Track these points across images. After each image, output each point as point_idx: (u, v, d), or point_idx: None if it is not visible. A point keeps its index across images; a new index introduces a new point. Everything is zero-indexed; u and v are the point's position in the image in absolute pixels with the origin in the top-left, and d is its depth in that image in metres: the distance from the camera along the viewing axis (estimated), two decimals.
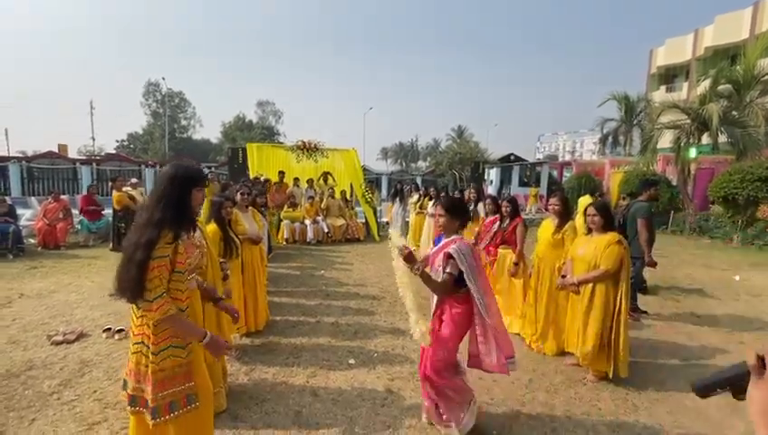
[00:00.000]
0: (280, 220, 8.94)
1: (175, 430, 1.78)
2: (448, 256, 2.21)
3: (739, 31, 21.31)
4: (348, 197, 10.43)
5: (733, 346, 3.94)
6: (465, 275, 2.19)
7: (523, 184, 18.62)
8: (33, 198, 11.39)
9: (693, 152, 13.25)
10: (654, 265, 4.51)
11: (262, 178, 8.36)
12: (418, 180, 19.09)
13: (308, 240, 8.95)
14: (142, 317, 1.74)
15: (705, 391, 0.76)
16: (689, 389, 2.62)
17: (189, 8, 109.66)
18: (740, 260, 8.20)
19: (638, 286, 5.76)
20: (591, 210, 3.20)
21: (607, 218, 3.17)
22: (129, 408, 1.79)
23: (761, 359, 0.64)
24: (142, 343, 1.75)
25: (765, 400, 0.59)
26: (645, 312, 4.77)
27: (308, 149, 10.10)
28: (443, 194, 7.72)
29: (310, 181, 9.95)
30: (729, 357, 3.69)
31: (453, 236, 2.33)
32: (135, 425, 1.83)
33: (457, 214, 2.36)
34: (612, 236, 3.07)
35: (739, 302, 5.39)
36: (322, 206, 9.47)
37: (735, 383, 0.70)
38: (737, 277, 6.65)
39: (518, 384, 3.13)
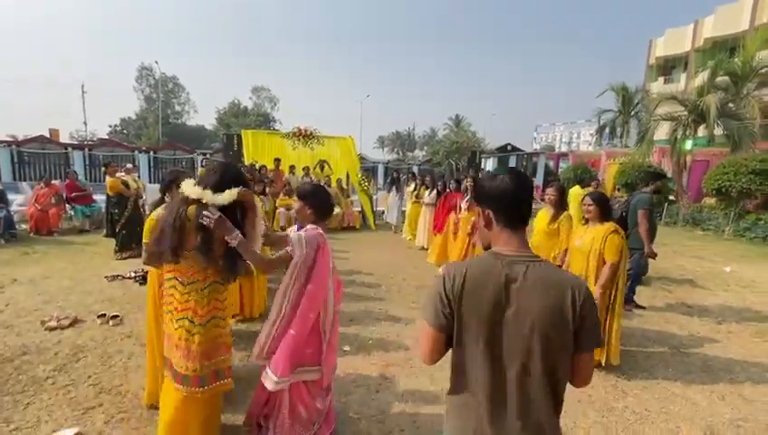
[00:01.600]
0: (275, 208, 8.90)
1: (207, 397, 1.90)
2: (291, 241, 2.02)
3: (739, 22, 21.18)
4: (344, 185, 10.39)
5: (722, 335, 4.02)
6: (293, 261, 2.02)
7: None
8: (24, 183, 11.23)
9: (689, 144, 13.31)
10: (654, 255, 4.49)
11: (257, 166, 8.29)
12: (415, 169, 19.01)
13: None
14: (188, 294, 1.86)
15: None
16: (678, 377, 2.66)
17: None
18: (731, 252, 8.31)
19: (638, 278, 5.85)
20: (588, 200, 3.20)
21: (603, 209, 3.17)
22: (177, 385, 1.89)
23: None
24: (186, 318, 1.86)
25: None
26: (643, 307, 4.71)
27: (304, 136, 10.01)
28: (439, 183, 7.70)
29: (306, 169, 9.88)
30: (718, 346, 3.76)
31: (308, 226, 2.12)
32: (168, 393, 1.95)
33: (311, 202, 2.13)
34: (609, 226, 3.08)
35: (729, 292, 5.48)
36: None
37: None
38: (728, 269, 6.75)
39: None
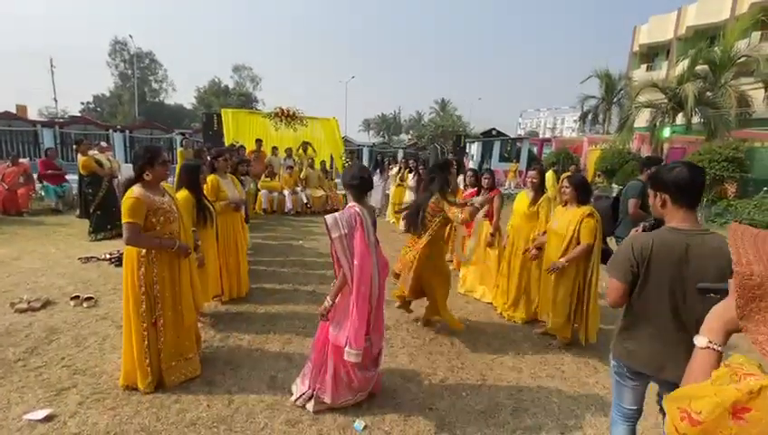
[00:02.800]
0: (257, 190, 8.74)
1: None
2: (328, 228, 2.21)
3: (720, 11, 21.48)
4: (328, 168, 10.26)
5: None
6: (334, 241, 2.19)
7: (503, 159, 18.77)
8: None
9: (667, 132, 13.62)
10: None
11: (237, 146, 8.07)
12: (400, 153, 18.94)
13: (286, 211, 8.83)
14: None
15: (702, 291, 1.10)
16: None
17: None
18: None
19: (604, 254, 5.98)
20: (565, 183, 3.24)
21: (580, 191, 3.20)
22: None
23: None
24: None
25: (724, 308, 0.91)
26: None
27: (287, 116, 9.78)
28: (421, 167, 7.70)
29: (288, 151, 9.69)
30: None
31: (349, 204, 2.31)
32: None
33: (342, 181, 2.39)
34: (585, 209, 3.12)
35: None
36: (301, 176, 9.29)
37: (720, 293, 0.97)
38: None
39: (488, 350, 3.25)
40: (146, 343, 2.38)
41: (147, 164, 2.38)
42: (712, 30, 20.26)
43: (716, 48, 14.08)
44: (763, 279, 0.71)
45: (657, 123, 13.64)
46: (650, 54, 27.28)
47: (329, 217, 2.21)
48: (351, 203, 2.30)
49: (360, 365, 2.30)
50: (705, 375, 0.83)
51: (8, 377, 2.54)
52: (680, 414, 0.78)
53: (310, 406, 2.37)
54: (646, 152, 15.33)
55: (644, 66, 26.67)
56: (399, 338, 3.37)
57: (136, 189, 2.33)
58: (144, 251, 2.35)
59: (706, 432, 0.74)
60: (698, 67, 13.94)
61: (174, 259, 2.45)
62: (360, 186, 2.32)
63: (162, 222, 2.38)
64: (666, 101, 13.48)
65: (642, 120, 15.33)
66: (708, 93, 13.42)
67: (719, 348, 0.88)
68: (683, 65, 14.42)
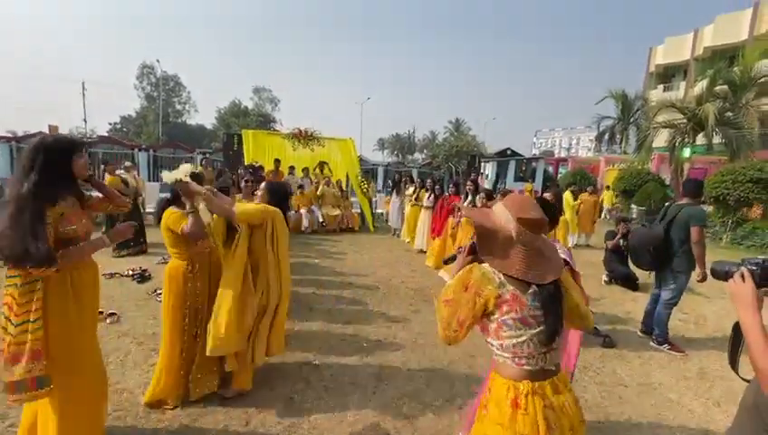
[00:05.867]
0: None
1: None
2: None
3: (738, 32, 21.35)
4: (343, 187, 10.40)
5: (717, 342, 4.02)
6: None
7: (518, 179, 18.67)
8: None
9: (687, 152, 13.38)
10: (705, 278, 3.63)
11: (257, 166, 8.28)
12: (414, 173, 19.07)
13: (302, 229, 8.93)
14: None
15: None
16: (674, 383, 2.63)
17: None
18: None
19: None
20: (547, 195, 3.49)
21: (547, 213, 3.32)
22: None
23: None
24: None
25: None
26: (683, 351, 3.84)
27: (304, 137, 10.02)
28: (437, 186, 7.72)
29: (305, 170, 9.88)
30: (714, 353, 3.77)
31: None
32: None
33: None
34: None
35: (725, 300, 5.49)
36: (318, 193, 9.43)
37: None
38: None
39: None
40: (184, 354, 2.48)
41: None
42: (730, 50, 20.08)
43: (736, 68, 13.94)
44: (485, 229, 1.27)
45: (677, 143, 13.43)
46: (667, 75, 27.15)
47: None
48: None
49: None
50: None
51: None
52: (442, 303, 1.25)
53: None
54: (665, 173, 15.05)
55: (661, 87, 26.50)
56: (416, 360, 3.32)
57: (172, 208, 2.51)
58: (190, 267, 2.48)
59: (456, 306, 1.21)
60: (717, 87, 13.79)
61: (214, 273, 2.59)
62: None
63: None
64: (685, 121, 13.29)
65: (661, 140, 15.12)
66: (729, 113, 13.20)
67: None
68: (701, 85, 14.28)
